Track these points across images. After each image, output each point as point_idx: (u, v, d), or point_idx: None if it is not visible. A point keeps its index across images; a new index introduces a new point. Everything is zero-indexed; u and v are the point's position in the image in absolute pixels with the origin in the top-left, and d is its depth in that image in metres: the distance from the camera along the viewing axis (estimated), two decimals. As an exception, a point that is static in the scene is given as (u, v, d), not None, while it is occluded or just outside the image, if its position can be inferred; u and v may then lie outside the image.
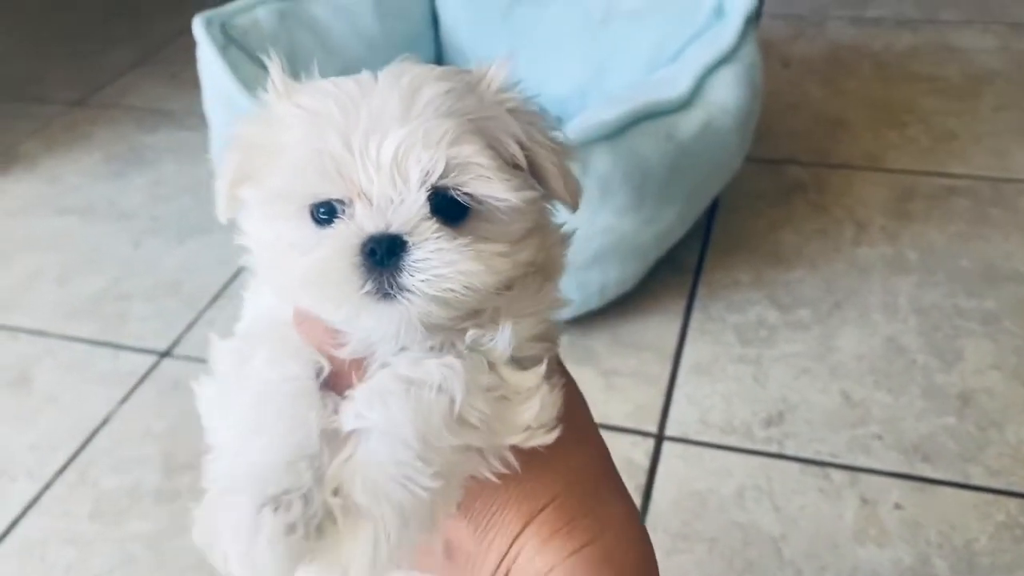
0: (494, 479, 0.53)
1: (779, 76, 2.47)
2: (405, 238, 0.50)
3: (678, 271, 1.78)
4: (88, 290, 1.88)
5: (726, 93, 1.62)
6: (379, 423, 0.50)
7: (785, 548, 1.27)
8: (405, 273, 0.50)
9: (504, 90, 0.57)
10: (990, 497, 1.33)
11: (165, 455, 1.49)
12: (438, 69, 0.57)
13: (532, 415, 0.53)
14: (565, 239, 0.62)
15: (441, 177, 0.51)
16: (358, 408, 0.51)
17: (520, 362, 0.55)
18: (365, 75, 0.56)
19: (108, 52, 2.96)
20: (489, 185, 0.52)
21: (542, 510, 0.56)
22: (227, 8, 1.86)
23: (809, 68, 2.52)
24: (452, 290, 0.51)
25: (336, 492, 0.49)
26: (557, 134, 0.60)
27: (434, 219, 0.51)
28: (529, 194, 0.54)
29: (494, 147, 0.53)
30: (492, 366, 0.54)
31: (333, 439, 0.51)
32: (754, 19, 1.72)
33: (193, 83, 1.85)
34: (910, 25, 2.71)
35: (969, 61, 2.48)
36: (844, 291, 1.72)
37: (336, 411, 0.52)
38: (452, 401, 0.50)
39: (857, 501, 1.33)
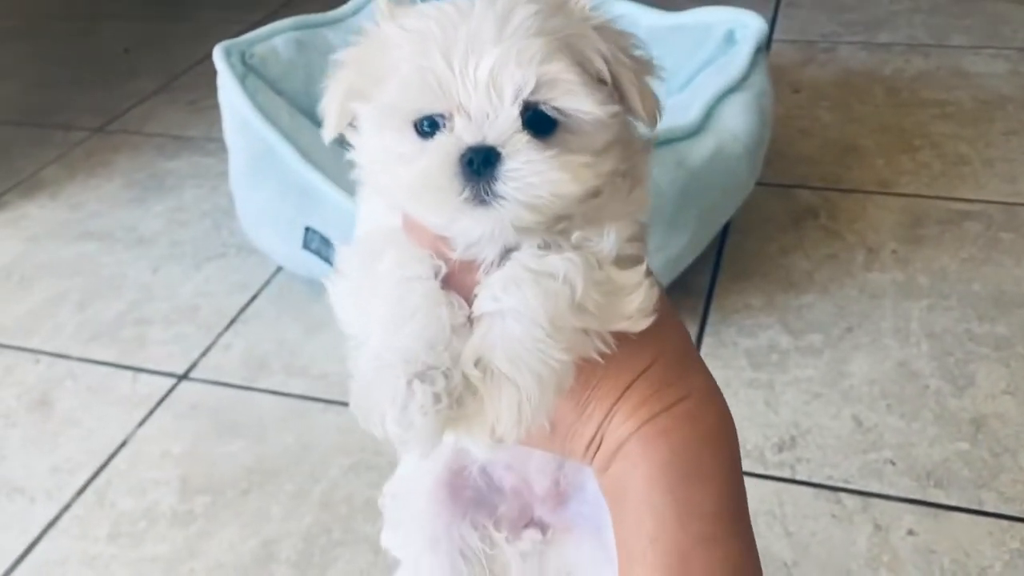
0: (598, 358, 0.59)
1: (790, 101, 2.49)
2: (499, 149, 0.55)
3: (689, 295, 1.80)
4: (108, 315, 1.91)
5: (736, 120, 1.64)
6: (514, 305, 0.56)
7: (797, 574, 1.27)
8: (499, 181, 0.55)
9: (591, 9, 0.61)
10: (1004, 523, 1.32)
11: (182, 478, 1.51)
12: None
13: (636, 306, 0.59)
14: (647, 147, 0.66)
15: (532, 93, 0.55)
16: (495, 292, 0.57)
17: (621, 261, 0.60)
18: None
19: (130, 80, 3.01)
20: (576, 99, 0.56)
21: (634, 381, 0.62)
22: (246, 37, 1.90)
23: (820, 93, 2.54)
24: (541, 197, 0.56)
25: (478, 363, 0.56)
26: (640, 52, 0.63)
27: (526, 132, 0.56)
28: (612, 108, 0.58)
29: (581, 63, 0.57)
30: (599, 264, 0.59)
31: (460, 331, 0.58)
32: (764, 47, 1.75)
33: (212, 110, 1.89)
34: (921, 50, 2.72)
35: (980, 86, 2.49)
36: (856, 316, 1.73)
37: (459, 306, 0.59)
38: (573, 290, 0.56)
39: (870, 527, 1.33)
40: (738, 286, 1.82)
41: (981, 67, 2.59)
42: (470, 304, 0.59)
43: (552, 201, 0.56)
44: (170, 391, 1.70)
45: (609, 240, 0.60)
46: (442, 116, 0.58)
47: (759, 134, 1.69)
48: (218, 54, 1.81)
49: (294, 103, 1.87)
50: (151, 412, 1.66)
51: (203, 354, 1.78)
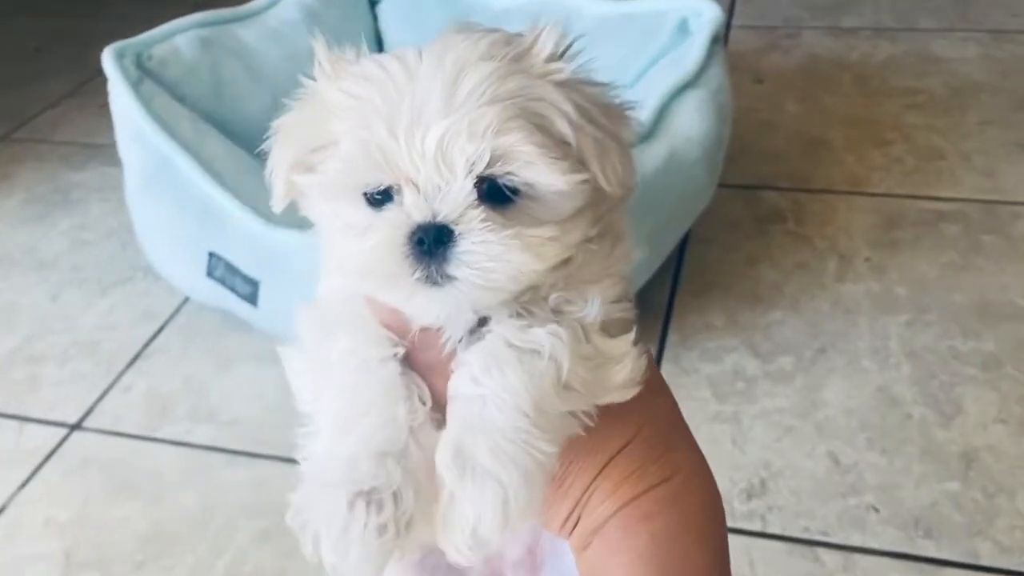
0: (581, 432, 0.55)
1: (752, 92, 2.32)
2: (452, 227, 0.51)
3: (646, 314, 1.61)
4: (-4, 352, 1.70)
5: (691, 121, 1.46)
6: (496, 390, 0.52)
7: (771, 651, 1.10)
8: (452, 263, 0.51)
9: (553, 60, 0.54)
10: (1003, 580, 1.17)
11: (66, 552, 1.31)
12: (484, 41, 0.54)
13: (623, 377, 0.55)
14: (624, 199, 0.59)
15: (487, 167, 0.51)
16: (474, 373, 0.53)
17: (608, 326, 0.56)
18: (410, 52, 0.54)
19: (40, 81, 2.77)
20: (535, 171, 0.51)
21: (614, 456, 0.58)
22: (142, 37, 1.69)
23: (784, 83, 2.37)
24: (498, 279, 0.52)
25: (455, 457, 0.52)
26: (613, 106, 0.57)
27: (481, 207, 0.51)
28: (576, 177, 0.53)
29: (542, 126, 0.52)
30: (585, 333, 0.55)
31: (420, 430, 0.54)
32: (721, 38, 1.57)
33: (109, 120, 1.67)
34: (888, 34, 2.56)
35: (951, 72, 2.34)
36: (829, 334, 1.56)
37: (419, 397, 0.55)
38: (559, 368, 0.52)
39: (852, 589, 1.17)
40: (699, 302, 1.65)
41: (951, 52, 2.44)
42: (432, 385, 0.56)
43: (511, 282, 0.52)
44: (60, 444, 1.49)
45: (594, 307, 0.55)
46: (391, 187, 0.53)
47: (717, 135, 1.52)
48: (108, 57, 1.60)
49: (198, 109, 1.66)
50: (36, 470, 1.45)
51: (100, 398, 1.57)
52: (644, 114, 1.43)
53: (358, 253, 0.53)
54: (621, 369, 0.55)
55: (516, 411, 0.52)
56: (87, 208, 2.11)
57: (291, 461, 1.38)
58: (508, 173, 0.51)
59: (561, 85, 0.54)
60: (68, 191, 2.19)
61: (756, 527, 1.26)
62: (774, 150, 2.09)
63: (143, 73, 1.62)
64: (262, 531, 1.31)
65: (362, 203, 0.54)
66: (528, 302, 0.55)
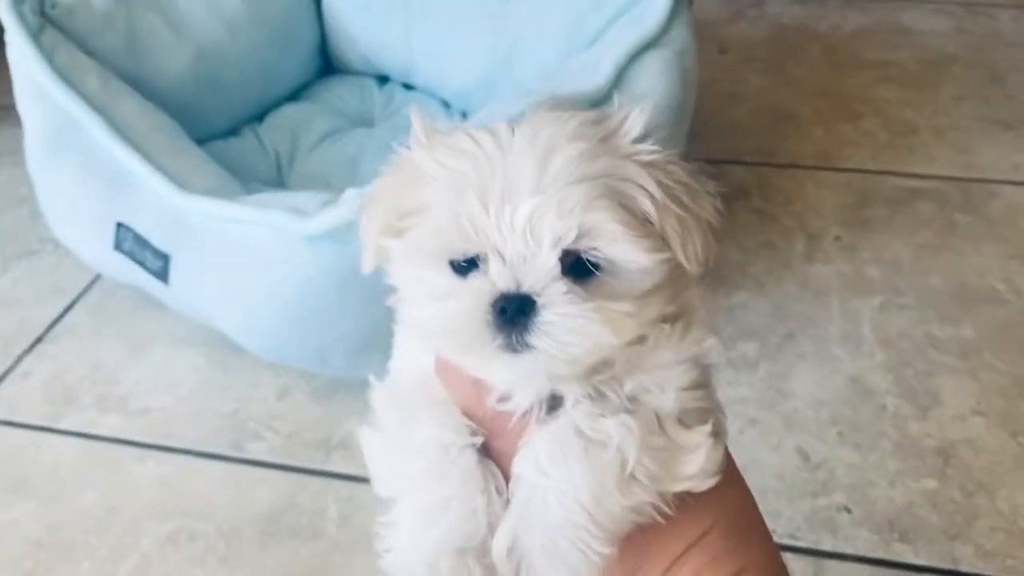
0: (657, 518, 0.55)
1: (716, 63, 2.20)
2: (535, 298, 0.52)
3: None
4: None
5: (653, 84, 1.33)
6: (559, 482, 0.53)
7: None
8: (533, 333, 0.52)
9: (640, 141, 0.56)
10: (985, 588, 1.07)
11: (-57, 559, 1.16)
12: (573, 121, 0.56)
13: (696, 468, 0.55)
14: (698, 285, 0.61)
15: (573, 242, 0.52)
16: (539, 460, 0.54)
17: (685, 416, 0.56)
18: (502, 128, 0.56)
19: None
20: (620, 249, 0.53)
21: (689, 548, 0.57)
22: (48, -17, 1.51)
23: (750, 54, 2.25)
24: (577, 351, 0.53)
25: (511, 552, 0.54)
26: (696, 186, 0.57)
27: (564, 279, 0.53)
28: (658, 256, 0.54)
29: (626, 205, 0.54)
30: (660, 423, 0.55)
31: (497, 521, 0.55)
32: (686, -5, 1.44)
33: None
34: (858, 4, 2.45)
35: (924, 45, 2.24)
36: (797, 318, 1.45)
37: (497, 489, 0.56)
38: (624, 463, 0.52)
39: (823, 599, 1.06)
40: (659, 283, 1.53)
41: (923, 23, 2.34)
42: (505, 471, 0.57)
43: (589, 354, 0.53)
44: (-54, 435, 1.33)
45: (669, 396, 0.55)
46: (478, 256, 0.55)
47: (681, 100, 1.39)
48: (4, 3, 1.42)
49: (110, 65, 1.49)
50: (-83, 465, 1.29)
51: (-5, 384, 1.41)
52: (601, 74, 1.30)
53: (442, 316, 0.55)
54: (694, 460, 0.55)
55: (576, 505, 0.52)
56: (-5, 174, 1.93)
57: (204, 456, 1.24)
58: (593, 249, 0.53)
59: (647, 165, 0.55)
60: (-25, 156, 2.00)
61: (718, 530, 1.14)
62: (739, 123, 1.97)
63: (46, 21, 1.44)
64: (170, 534, 1.17)
65: (448, 270, 0.56)
66: (603, 383, 0.55)
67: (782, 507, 1.17)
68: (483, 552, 0.55)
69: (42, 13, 1.45)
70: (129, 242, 1.33)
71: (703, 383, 0.58)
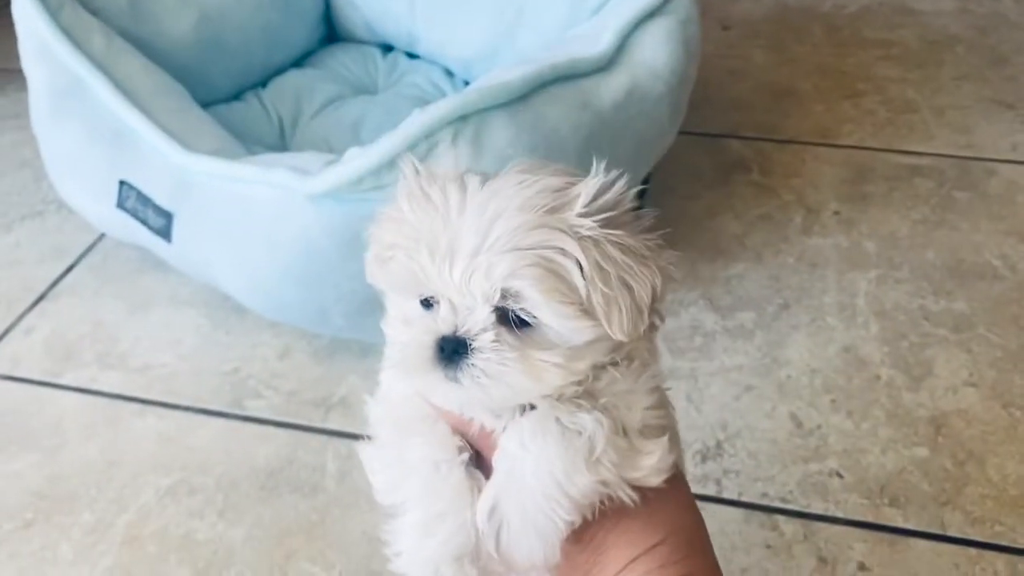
0: (625, 506, 0.62)
1: (719, 39, 2.20)
2: (469, 341, 0.60)
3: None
4: None
5: (655, 52, 1.34)
6: (536, 455, 0.60)
7: (724, 627, 1.01)
8: (463, 371, 0.60)
9: (587, 214, 0.60)
10: (972, 552, 1.08)
11: (-55, 508, 1.17)
12: (533, 188, 0.60)
13: (650, 464, 0.62)
14: (650, 330, 0.65)
15: (501, 300, 0.59)
16: (523, 438, 0.61)
17: (647, 431, 0.63)
18: (473, 184, 0.62)
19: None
20: (542, 311, 0.59)
21: (640, 555, 0.63)
22: (54, -58, 1.51)
23: (752, 30, 2.25)
24: (498, 392, 0.61)
25: (492, 514, 0.61)
26: (632, 265, 0.61)
27: (498, 328, 0.60)
28: (582, 323, 0.60)
29: (558, 274, 0.59)
30: (625, 431, 0.62)
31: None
32: (690, -35, 1.44)
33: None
34: (862, -15, 2.45)
35: (927, 25, 2.24)
36: (793, 289, 1.46)
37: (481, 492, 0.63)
38: (594, 448, 0.60)
39: (813, 559, 1.08)
40: (657, 253, 1.53)
41: (927, 4, 2.34)
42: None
43: (509, 397, 0.61)
44: (-51, 389, 1.34)
45: (635, 414, 0.62)
46: (433, 297, 0.62)
47: (684, 70, 1.39)
48: (10, -40, 1.42)
49: (113, 24, 1.49)
50: (-80, 417, 1.30)
51: (-2, 339, 1.43)
52: (603, 42, 1.30)
53: (400, 345, 0.64)
54: (649, 456, 0.62)
55: (549, 477, 0.59)
56: (-1, 137, 1.94)
57: (204, 412, 1.26)
58: (520, 308, 0.59)
59: (583, 240, 0.59)
60: (-21, 118, 2.01)
61: (711, 492, 1.16)
62: (740, 99, 1.98)
63: (51, -20, 1.45)
64: (170, 487, 1.19)
65: (417, 302, 0.64)
66: (577, 398, 0.62)
67: (775, 472, 1.19)
68: (478, 556, 0.62)
69: (47, -28, 1.46)
70: (132, 200, 1.34)
71: (661, 404, 0.65)
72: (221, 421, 1.28)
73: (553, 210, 0.60)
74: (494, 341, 0.60)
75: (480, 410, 0.64)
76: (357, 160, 1.12)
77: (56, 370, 1.37)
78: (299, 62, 1.84)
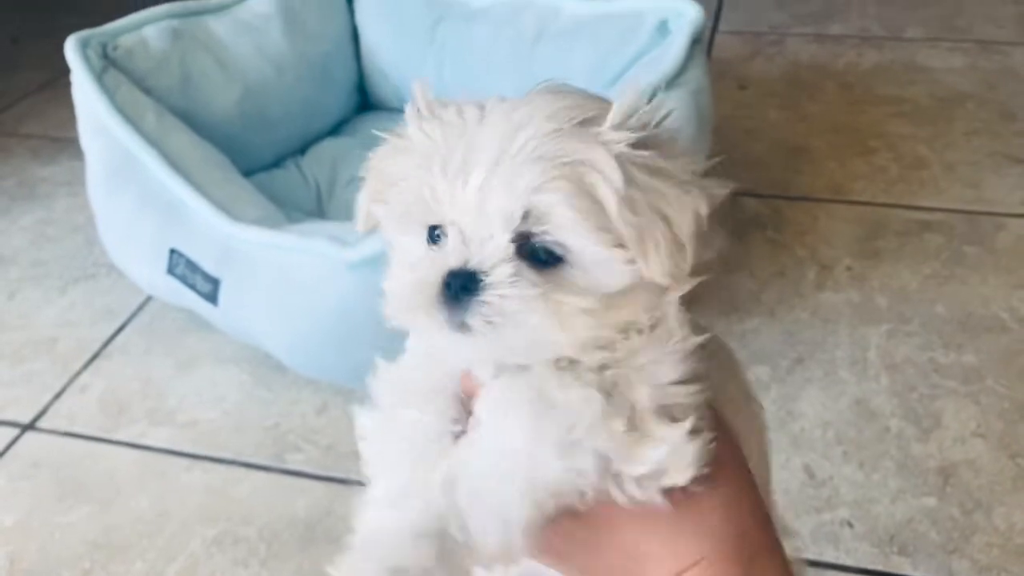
0: (657, 508, 0.52)
1: (735, 99, 2.29)
2: (481, 276, 0.50)
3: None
4: (-51, 350, 1.64)
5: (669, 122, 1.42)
6: (497, 426, 0.51)
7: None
8: (471, 312, 0.50)
9: (619, 127, 0.51)
10: (979, 600, 1.13)
11: (9, 557, 1.26)
12: (563, 102, 0.53)
13: (658, 457, 0.50)
14: (677, 298, 0.55)
15: (522, 223, 0.50)
16: (489, 405, 0.52)
17: (669, 409, 0.52)
18: (494, 101, 0.54)
19: (14, 74, 2.71)
20: (572, 236, 0.50)
21: (691, 566, 0.54)
22: (110, 27, 1.64)
23: (768, 90, 2.34)
24: (513, 339, 0.51)
25: (446, 484, 0.52)
26: (678, 191, 0.52)
27: (518, 262, 0.50)
28: (619, 252, 0.51)
29: (590, 193, 0.50)
30: (635, 413, 0.51)
31: None
32: (702, 39, 1.53)
33: (74, 111, 1.62)
34: (874, 43, 2.54)
35: (937, 82, 2.31)
36: (807, 344, 1.52)
37: None
38: (572, 427, 0.50)
39: (824, 607, 1.13)
40: (676, 309, 1.60)
41: (937, 61, 2.41)
42: None
43: (528, 346, 0.51)
44: (11, 444, 1.44)
45: (643, 391, 0.51)
46: (443, 228, 0.53)
47: (696, 138, 1.48)
48: (71, 46, 1.55)
49: (165, 102, 1.61)
50: (-15, 471, 1.39)
51: (55, 397, 1.52)
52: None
53: (399, 286, 0.54)
54: (657, 447, 0.51)
55: (508, 455, 0.51)
56: (53, 203, 2.06)
57: (247, 466, 1.34)
58: (544, 232, 0.50)
59: (619, 156, 0.50)
60: (34, 185, 2.14)
61: (727, 541, 1.22)
62: (755, 157, 2.05)
63: (108, 63, 1.57)
64: (216, 537, 1.26)
65: (424, 239, 0.55)
66: (579, 368, 0.53)
67: (788, 521, 1.23)
68: (442, 537, 0.52)
69: (104, 55, 1.58)
70: (181, 267, 1.44)
71: (697, 378, 0.53)
72: (263, 474, 1.36)
73: (585, 122, 0.52)
74: (513, 275, 0.50)
75: (492, 366, 0.55)
76: (391, 231, 1.21)
77: (109, 426, 1.46)
78: (335, 129, 1.95)
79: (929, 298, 1.60)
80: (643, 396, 0.51)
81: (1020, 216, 1.80)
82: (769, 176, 1.97)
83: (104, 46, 1.59)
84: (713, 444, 0.53)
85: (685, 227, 0.51)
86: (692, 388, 0.53)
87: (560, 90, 0.55)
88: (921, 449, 1.33)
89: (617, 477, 0.51)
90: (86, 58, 1.54)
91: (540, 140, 0.50)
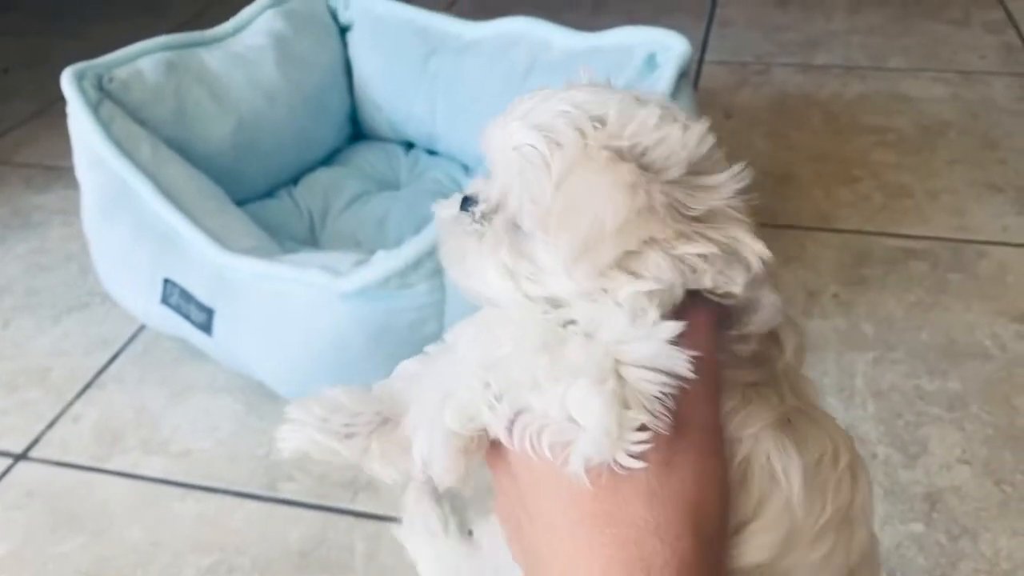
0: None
1: (721, 128, 2.28)
2: (474, 211, 0.57)
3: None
4: (-58, 379, 1.65)
5: (657, 154, 1.45)
6: (446, 350, 0.56)
7: None
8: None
9: (612, 135, 0.56)
10: (966, 626, 1.14)
11: (1, 588, 1.26)
12: (599, 95, 0.57)
13: (574, 399, 0.47)
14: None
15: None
16: (454, 328, 0.57)
17: (605, 375, 0.48)
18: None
19: (6, 102, 2.73)
20: (517, 200, 0.55)
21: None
22: (106, 59, 1.66)
23: (753, 119, 2.37)
24: (452, 273, 0.58)
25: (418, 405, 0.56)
26: (631, 180, 0.53)
27: (503, 215, 0.56)
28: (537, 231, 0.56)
29: (540, 166, 0.55)
30: (566, 363, 0.49)
31: None
32: (690, 72, 1.56)
33: (64, 143, 1.64)
34: (859, 73, 2.58)
35: (921, 111, 2.35)
36: (794, 371, 1.54)
37: None
38: (497, 353, 0.50)
39: (813, 633, 1.14)
40: (665, 337, 1.62)
41: (921, 91, 2.46)
42: None
43: (464, 288, 0.58)
44: (3, 474, 1.44)
45: (587, 353, 0.49)
46: None
47: (684, 169, 1.50)
48: (67, 78, 1.57)
49: (159, 134, 1.63)
50: (-23, 501, 1.40)
51: (48, 427, 1.52)
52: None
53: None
54: (571, 393, 0.47)
55: (444, 377, 0.53)
56: (47, 232, 2.07)
57: (240, 495, 1.34)
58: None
59: (589, 149, 0.54)
60: (28, 214, 2.15)
61: (717, 568, 1.23)
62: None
63: (103, 95, 1.59)
64: (210, 567, 1.27)
65: None
66: (548, 317, 0.54)
67: (777, 548, 1.25)
68: (390, 405, 0.59)
69: (100, 87, 1.60)
70: (175, 297, 1.45)
71: (666, 371, 0.49)
72: (256, 503, 1.36)
73: (592, 118, 0.55)
74: (482, 216, 0.56)
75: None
76: (384, 262, 1.22)
77: (102, 455, 1.46)
78: (328, 159, 1.97)
79: (914, 325, 1.63)
80: (581, 356, 0.48)
81: (1002, 244, 1.83)
82: (755, 204, 1.99)
83: (100, 78, 1.61)
84: (648, 433, 0.47)
85: (607, 220, 0.50)
86: (655, 377, 0.48)
87: (599, 85, 0.59)
88: (908, 476, 1.34)
89: (536, 434, 0.48)
90: (82, 90, 1.56)
91: (549, 116, 0.55)
